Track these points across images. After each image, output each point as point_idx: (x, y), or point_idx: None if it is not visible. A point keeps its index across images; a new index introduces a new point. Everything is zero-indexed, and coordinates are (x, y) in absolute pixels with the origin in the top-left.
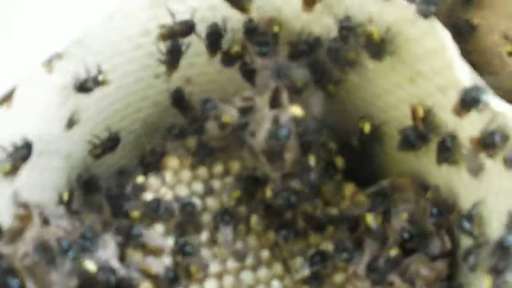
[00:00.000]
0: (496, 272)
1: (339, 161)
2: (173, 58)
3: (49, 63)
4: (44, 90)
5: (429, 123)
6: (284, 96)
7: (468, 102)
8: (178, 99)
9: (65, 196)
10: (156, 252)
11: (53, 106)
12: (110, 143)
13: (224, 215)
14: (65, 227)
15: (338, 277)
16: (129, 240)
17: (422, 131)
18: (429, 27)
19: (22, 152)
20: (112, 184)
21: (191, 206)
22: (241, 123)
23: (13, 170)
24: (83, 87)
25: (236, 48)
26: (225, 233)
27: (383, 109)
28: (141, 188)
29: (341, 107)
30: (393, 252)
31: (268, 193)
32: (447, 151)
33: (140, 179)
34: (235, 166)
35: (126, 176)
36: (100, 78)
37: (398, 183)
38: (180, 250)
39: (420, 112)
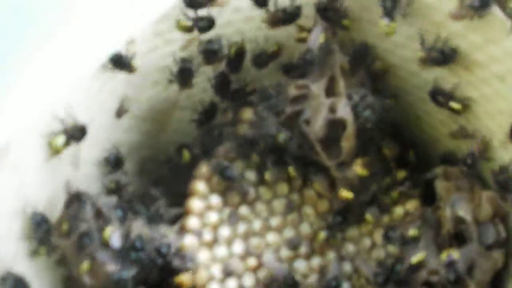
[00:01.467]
0: None
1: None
2: (184, 78)
3: None
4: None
5: None
6: (341, 85)
7: None
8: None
9: (112, 185)
10: None
11: (104, 93)
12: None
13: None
14: (119, 218)
15: None
16: None
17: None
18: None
19: (77, 134)
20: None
21: None
22: (295, 111)
23: (64, 145)
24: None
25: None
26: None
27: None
28: None
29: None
30: None
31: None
32: None
33: None
34: None
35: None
36: None
37: (452, 171)
38: None
39: None
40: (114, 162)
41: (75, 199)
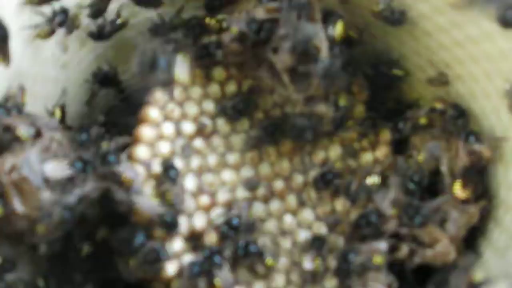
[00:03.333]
0: None
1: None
2: None
3: None
4: None
5: None
6: (317, 12)
7: None
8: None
9: (57, 113)
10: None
11: None
12: None
13: None
14: (58, 139)
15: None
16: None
17: None
18: None
19: (60, 18)
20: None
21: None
22: (262, 37)
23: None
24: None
25: None
26: None
27: None
28: None
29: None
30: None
31: None
32: None
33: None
34: (247, 84)
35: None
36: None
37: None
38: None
39: None
40: None
41: None
